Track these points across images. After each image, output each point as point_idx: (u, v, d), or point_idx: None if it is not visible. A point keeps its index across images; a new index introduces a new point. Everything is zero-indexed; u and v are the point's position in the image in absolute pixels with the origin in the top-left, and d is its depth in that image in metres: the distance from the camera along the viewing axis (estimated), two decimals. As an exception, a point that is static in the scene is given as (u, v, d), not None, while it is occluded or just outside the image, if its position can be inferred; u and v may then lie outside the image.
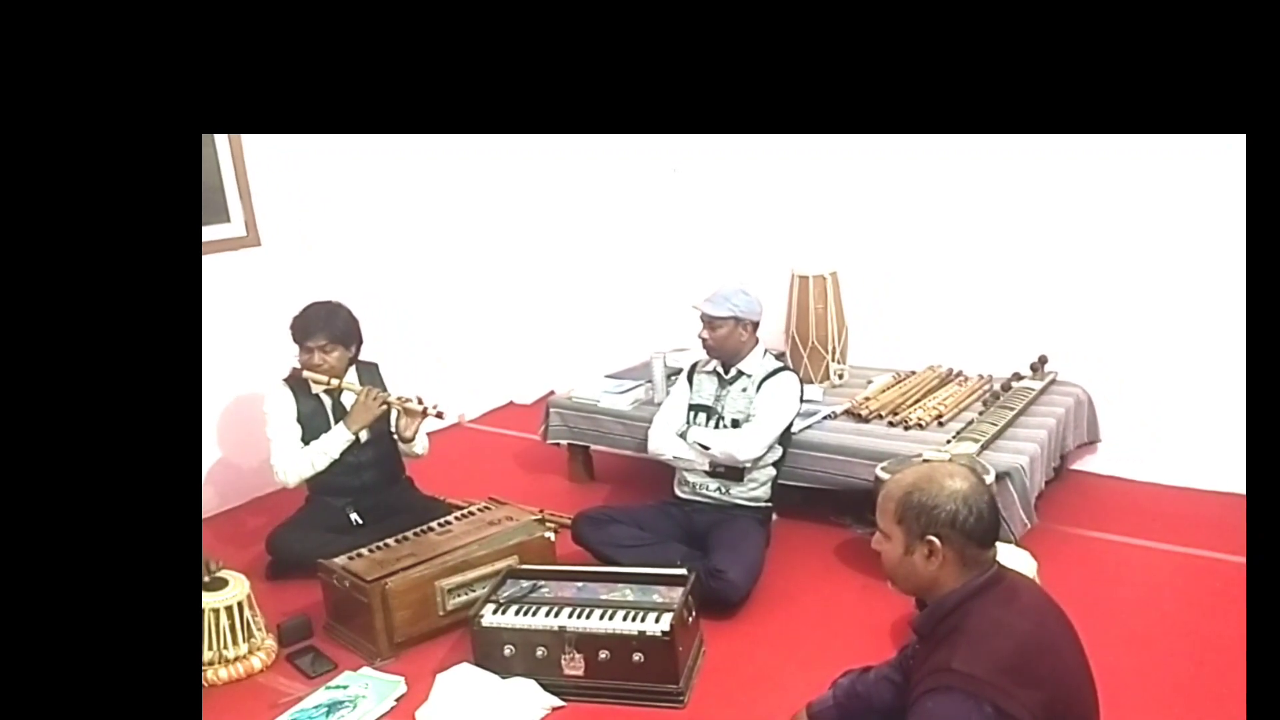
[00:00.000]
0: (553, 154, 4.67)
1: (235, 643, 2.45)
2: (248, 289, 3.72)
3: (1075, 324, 3.53)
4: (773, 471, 2.99)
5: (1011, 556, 2.38)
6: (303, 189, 3.91)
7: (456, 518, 2.93)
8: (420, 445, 3.15)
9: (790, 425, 2.99)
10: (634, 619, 2.30)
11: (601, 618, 2.32)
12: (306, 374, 3.00)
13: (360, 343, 3.11)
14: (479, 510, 2.98)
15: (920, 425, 3.15)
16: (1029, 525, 2.82)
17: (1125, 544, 2.99)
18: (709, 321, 2.93)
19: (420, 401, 3.03)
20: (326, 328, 2.98)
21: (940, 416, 3.20)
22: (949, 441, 2.94)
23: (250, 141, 3.66)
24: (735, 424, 2.94)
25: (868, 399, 3.40)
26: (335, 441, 3.01)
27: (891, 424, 3.20)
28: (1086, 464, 3.58)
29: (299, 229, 3.91)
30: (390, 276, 4.23)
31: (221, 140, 3.58)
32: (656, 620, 2.28)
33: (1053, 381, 3.48)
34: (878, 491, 2.70)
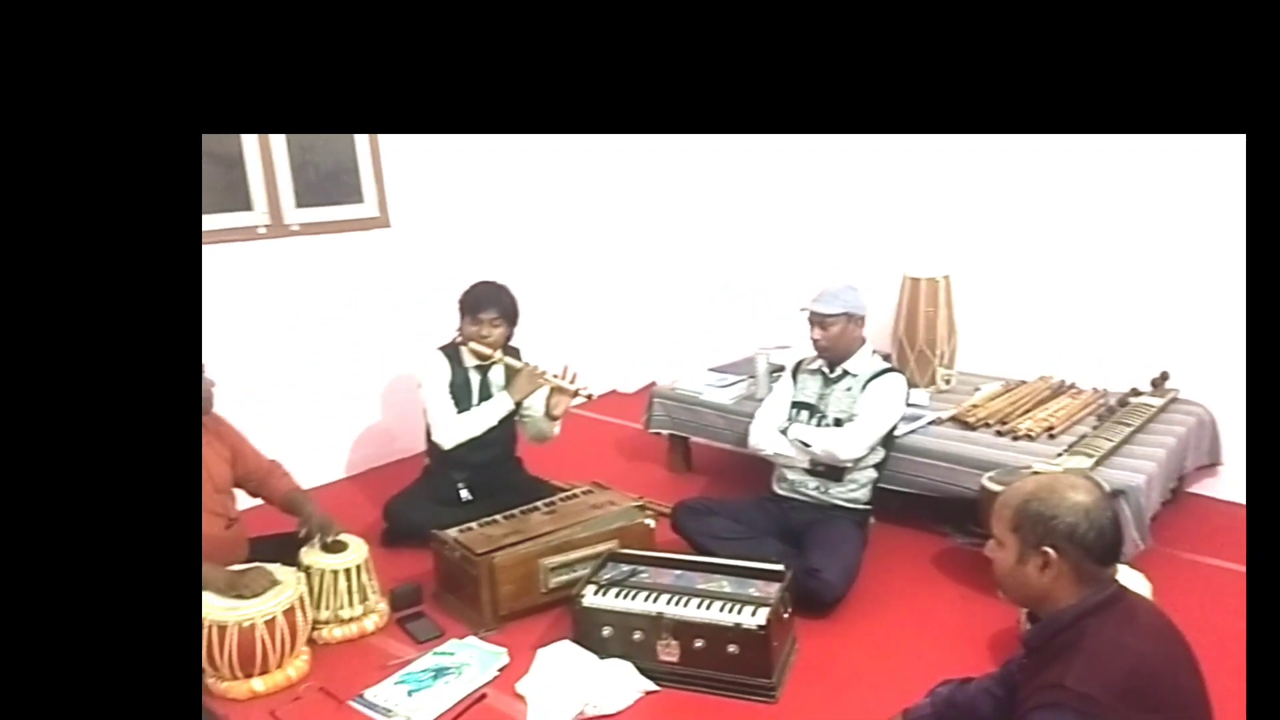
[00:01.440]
0: (667, 150, 4.68)
1: (351, 604, 2.54)
2: (375, 266, 3.86)
3: (1200, 340, 3.33)
4: (874, 474, 2.94)
5: (1127, 577, 2.27)
6: (431, 176, 4.02)
7: (561, 499, 2.98)
8: (557, 427, 3.21)
9: (894, 428, 2.93)
10: (731, 610, 2.29)
11: (698, 606, 2.32)
12: (472, 345, 3.10)
13: (516, 323, 3.20)
14: (582, 493, 3.02)
15: (1029, 436, 3.04)
16: (1142, 547, 2.69)
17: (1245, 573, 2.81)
18: (820, 320, 2.89)
19: (573, 381, 3.09)
20: (498, 303, 3.10)
21: (1051, 429, 3.08)
22: (1060, 455, 2.83)
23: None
24: (838, 423, 2.89)
25: (975, 406, 3.30)
26: (497, 409, 3.11)
27: (999, 433, 3.09)
28: (1206, 487, 3.39)
29: (426, 213, 4.03)
30: (504, 263, 4.30)
31: (359, 127, 3.72)
32: (753, 613, 2.27)
33: (1174, 399, 3.30)
34: (982, 501, 2.65)
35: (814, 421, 2.95)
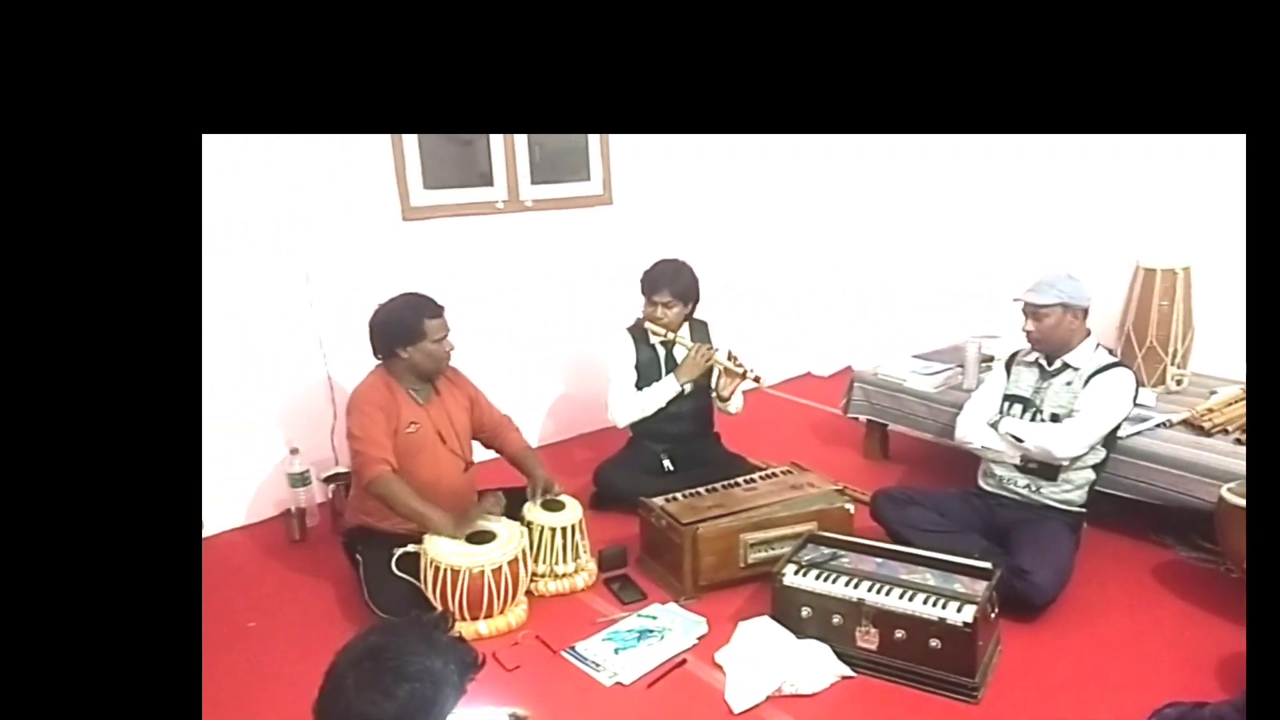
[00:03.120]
0: (874, 136, 4.52)
1: (564, 561, 2.66)
2: (597, 242, 3.98)
3: None
4: (1091, 475, 2.73)
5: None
6: (653, 157, 4.08)
7: (761, 477, 2.98)
8: (735, 404, 3.22)
9: (1117, 427, 2.71)
10: (935, 604, 2.22)
11: (901, 597, 2.26)
12: (648, 325, 3.17)
13: (697, 300, 3.23)
14: (782, 473, 3.01)
15: (1277, 448, 2.72)
16: None
17: None
18: (1033, 312, 2.71)
19: (740, 364, 3.09)
20: (671, 284, 3.13)
21: (1304, 441, 2.74)
22: (1316, 472, 2.51)
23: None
24: (1055, 419, 2.70)
25: (1211, 410, 2.99)
26: (664, 391, 3.16)
27: (1239, 441, 2.78)
28: None
29: (646, 192, 4.10)
30: (714, 242, 4.33)
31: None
32: (959, 610, 2.19)
33: None
34: (1220, 514, 2.41)
35: (1028, 416, 2.77)
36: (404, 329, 2.60)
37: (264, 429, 3.20)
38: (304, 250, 3.19)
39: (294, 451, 3.13)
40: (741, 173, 4.46)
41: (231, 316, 3.06)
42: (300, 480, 3.12)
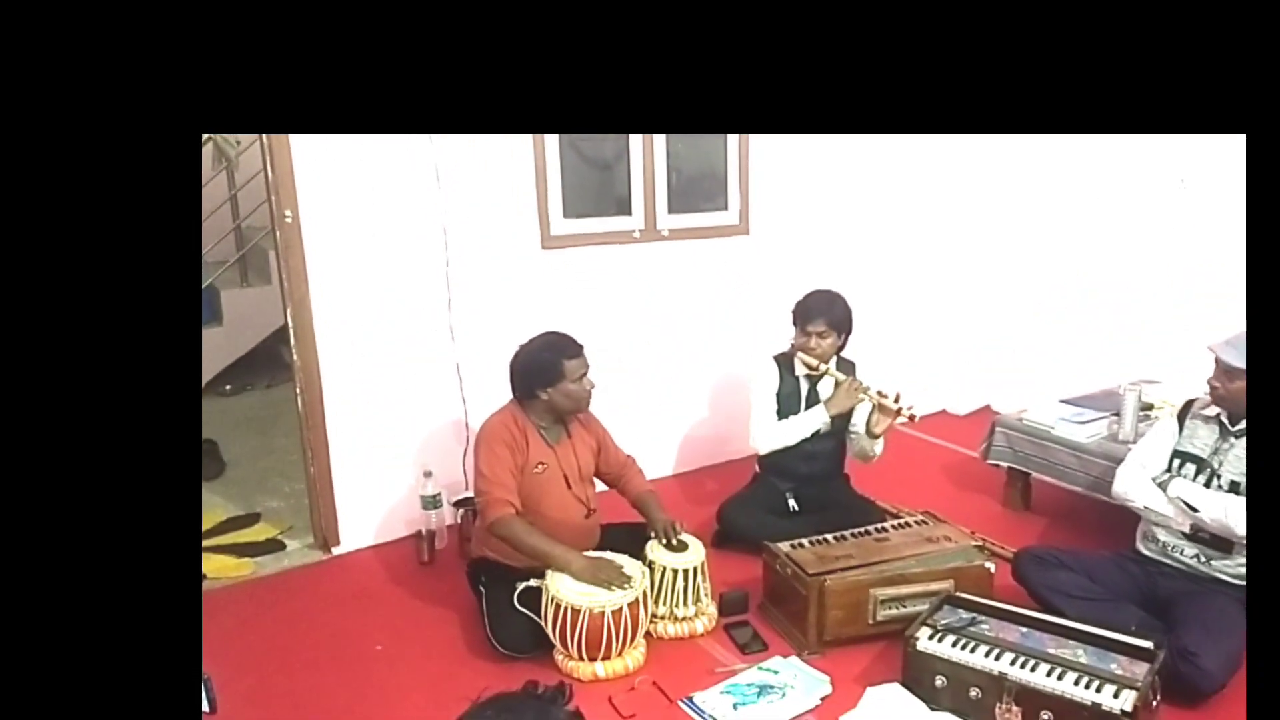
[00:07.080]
0: (1028, 150, 4.23)
1: (685, 604, 2.54)
2: (733, 272, 3.87)
3: None
4: (1274, 550, 2.40)
5: None
6: (789, 184, 3.95)
7: (893, 526, 2.79)
8: (877, 448, 3.02)
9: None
10: (1089, 686, 1.98)
11: (1049, 674, 2.04)
12: (800, 355, 3.02)
13: (850, 332, 3.07)
14: (916, 523, 2.80)
15: None
16: None
17: None
18: (1228, 370, 2.37)
19: (897, 400, 2.88)
20: (826, 313, 2.98)
21: None
22: None
23: (757, 140, 3.77)
24: (1234, 488, 2.37)
25: None
26: (811, 421, 3.01)
27: None
28: None
29: (782, 221, 3.96)
30: (849, 272, 4.13)
31: (732, 138, 3.73)
32: (1116, 695, 1.95)
33: None
34: None
35: (1202, 480, 2.44)
36: (544, 370, 2.56)
37: (401, 451, 3.24)
38: (447, 277, 3.22)
39: (428, 474, 3.16)
40: (877, 202, 4.25)
41: (380, 340, 3.12)
42: (432, 503, 3.14)
